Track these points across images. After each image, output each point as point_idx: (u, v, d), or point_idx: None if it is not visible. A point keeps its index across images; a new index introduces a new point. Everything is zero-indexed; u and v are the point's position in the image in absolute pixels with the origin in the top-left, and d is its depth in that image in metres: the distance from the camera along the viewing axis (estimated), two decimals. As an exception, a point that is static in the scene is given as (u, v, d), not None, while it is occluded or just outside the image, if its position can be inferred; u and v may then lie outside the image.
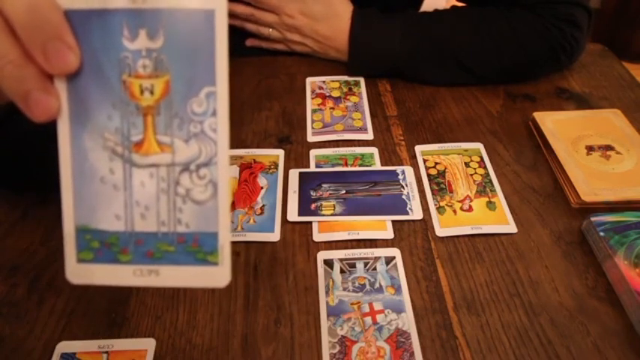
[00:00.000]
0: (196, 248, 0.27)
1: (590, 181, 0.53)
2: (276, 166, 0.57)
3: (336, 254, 0.48)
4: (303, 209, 0.52)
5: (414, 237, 0.50)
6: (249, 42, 0.75)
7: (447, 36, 0.67)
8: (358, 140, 0.61)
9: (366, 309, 0.44)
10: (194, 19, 0.25)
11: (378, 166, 0.57)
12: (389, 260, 0.47)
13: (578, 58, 0.70)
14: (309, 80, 0.70)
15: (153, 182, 0.27)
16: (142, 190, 0.27)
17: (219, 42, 0.26)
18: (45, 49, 0.25)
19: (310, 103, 0.66)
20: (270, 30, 0.72)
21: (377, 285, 0.45)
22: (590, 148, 0.57)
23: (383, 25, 0.67)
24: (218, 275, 0.27)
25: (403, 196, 0.53)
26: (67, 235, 0.28)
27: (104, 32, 0.25)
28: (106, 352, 0.40)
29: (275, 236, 0.50)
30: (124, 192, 0.27)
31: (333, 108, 0.65)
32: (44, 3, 0.25)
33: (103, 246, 0.27)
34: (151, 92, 0.26)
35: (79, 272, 0.28)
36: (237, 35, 0.74)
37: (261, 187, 0.55)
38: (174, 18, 0.25)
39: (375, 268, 0.47)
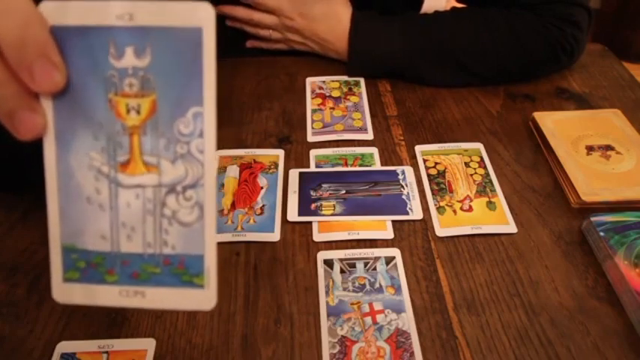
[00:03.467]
0: (182, 270, 0.27)
1: (590, 181, 0.53)
2: (276, 166, 0.57)
3: (336, 254, 0.48)
4: (303, 209, 0.52)
5: (414, 237, 0.50)
6: (250, 43, 0.75)
7: (447, 37, 0.66)
8: (358, 140, 0.61)
9: (366, 309, 0.44)
10: (182, 37, 0.25)
11: (378, 166, 0.57)
12: (389, 260, 0.47)
13: (579, 58, 0.70)
14: (309, 80, 0.70)
15: (139, 203, 0.27)
16: (127, 210, 0.27)
17: (206, 61, 0.25)
18: (31, 67, 0.24)
19: (310, 103, 0.66)
20: (271, 31, 0.72)
21: (377, 285, 0.45)
22: (590, 148, 0.57)
23: (382, 27, 0.67)
24: (204, 298, 0.27)
25: (403, 196, 0.53)
26: (53, 254, 0.28)
27: (90, 50, 0.25)
28: (106, 352, 0.40)
29: (275, 236, 0.50)
30: (110, 212, 0.27)
31: (333, 108, 0.65)
32: (32, 20, 0.24)
33: (89, 266, 0.27)
34: (138, 112, 0.26)
35: (65, 292, 0.28)
36: (237, 35, 0.74)
37: (261, 187, 0.55)
38: (162, 36, 0.25)
39: (375, 268, 0.47)
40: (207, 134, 0.26)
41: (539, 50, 0.66)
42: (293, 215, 0.51)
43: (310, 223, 0.51)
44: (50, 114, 0.26)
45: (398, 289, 0.45)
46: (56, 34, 0.25)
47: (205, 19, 0.25)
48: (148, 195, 0.27)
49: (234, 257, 0.48)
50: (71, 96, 0.26)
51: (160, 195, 0.27)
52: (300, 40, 0.72)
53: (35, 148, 0.27)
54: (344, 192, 0.53)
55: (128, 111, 0.26)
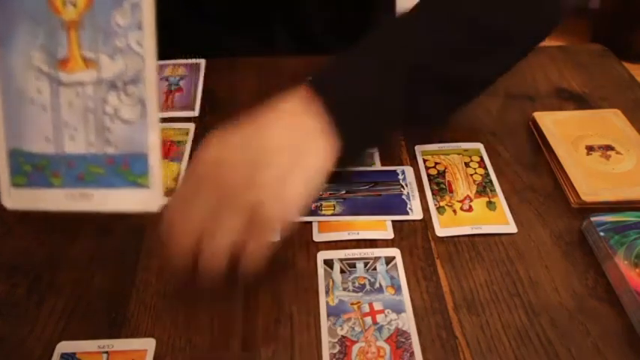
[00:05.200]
0: (126, 170, 0.27)
1: (590, 181, 0.53)
2: (276, 166, 0.57)
3: (336, 254, 0.48)
4: (303, 209, 0.52)
5: (414, 237, 0.50)
6: None
7: (430, 61, 0.48)
8: (358, 140, 0.61)
9: (366, 309, 0.44)
10: None
11: (378, 166, 0.57)
12: (389, 260, 0.47)
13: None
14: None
15: (80, 101, 0.26)
16: (69, 110, 0.26)
17: None
18: None
19: (310, 103, 0.66)
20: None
21: (377, 285, 0.45)
22: (590, 148, 0.57)
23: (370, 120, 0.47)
24: (149, 198, 0.27)
25: (403, 196, 0.53)
26: (0, 159, 0.27)
27: None
28: (106, 352, 0.40)
29: (275, 236, 0.50)
30: (52, 112, 0.26)
31: (333, 108, 0.65)
32: None
33: (35, 169, 0.27)
34: (74, 5, 0.25)
35: (14, 197, 0.28)
36: (237, 35, 0.74)
37: (261, 187, 0.54)
38: None
39: (375, 268, 0.47)
40: (146, 26, 0.25)
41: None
42: None
43: (310, 222, 0.51)
44: None
45: (398, 289, 0.45)
46: None
47: None
48: (88, 92, 0.26)
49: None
50: None
51: (101, 92, 0.26)
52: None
53: None
54: (344, 192, 0.53)
55: (65, 4, 0.25)
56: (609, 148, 0.57)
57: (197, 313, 0.44)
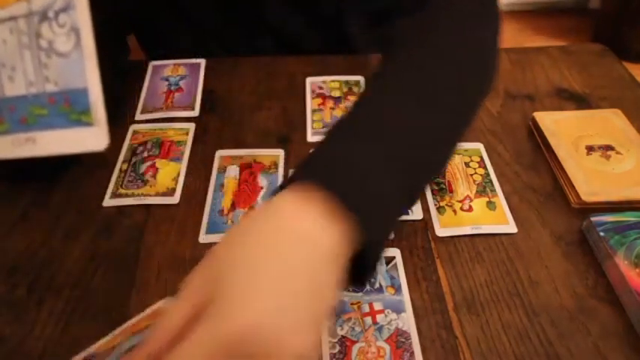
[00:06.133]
0: (68, 108, 0.26)
1: (590, 181, 0.53)
2: (276, 166, 0.57)
3: (336, 254, 0.48)
4: (303, 209, 0.52)
5: (414, 237, 0.50)
6: None
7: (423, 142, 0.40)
8: (358, 140, 0.61)
9: (366, 309, 0.44)
10: None
11: (378, 166, 0.57)
12: (389, 260, 0.47)
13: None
14: (309, 80, 0.70)
15: (14, 38, 0.25)
16: (4, 48, 0.25)
17: None
18: None
19: (310, 103, 0.66)
20: None
21: (377, 285, 0.45)
22: (590, 148, 0.57)
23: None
24: (95, 137, 0.26)
25: (403, 196, 0.53)
26: None
27: None
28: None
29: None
30: None
31: (333, 108, 0.65)
32: None
33: None
34: None
35: None
36: (237, 35, 0.74)
37: (261, 187, 0.55)
38: None
39: (375, 268, 0.47)
40: None
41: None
42: None
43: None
44: None
45: (398, 289, 0.45)
46: None
47: None
48: (21, 27, 0.25)
49: (234, 257, 0.48)
50: None
51: (33, 24, 0.25)
52: None
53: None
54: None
55: None
56: (609, 148, 0.57)
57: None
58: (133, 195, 0.54)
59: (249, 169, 0.56)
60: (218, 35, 0.74)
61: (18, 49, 0.25)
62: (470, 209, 0.52)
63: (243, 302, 0.28)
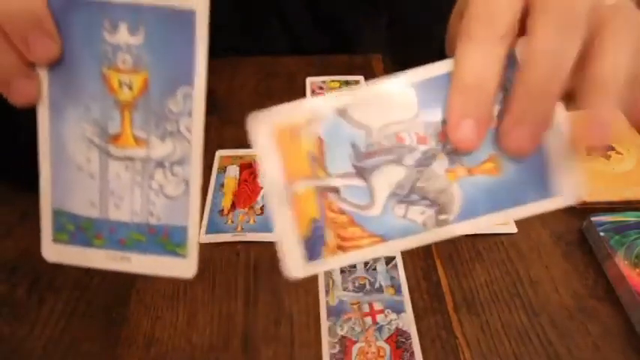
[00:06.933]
0: (166, 240, 0.28)
1: (590, 181, 0.53)
2: (276, 166, 0.57)
3: (336, 254, 0.48)
4: (303, 209, 0.52)
5: (414, 237, 0.50)
6: None
7: None
8: (358, 140, 0.61)
9: (366, 309, 0.44)
10: (175, 18, 0.25)
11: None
12: (389, 260, 0.47)
13: None
14: (309, 80, 0.70)
15: (128, 174, 0.27)
16: (117, 180, 0.27)
17: (198, 43, 0.26)
18: (27, 38, 0.25)
19: (310, 103, 0.66)
20: None
21: (377, 285, 0.45)
22: (590, 148, 0.57)
23: None
24: (185, 267, 0.28)
25: (403, 196, 0.53)
26: (43, 216, 0.28)
27: (86, 23, 0.26)
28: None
29: (275, 236, 0.50)
30: (100, 181, 0.28)
31: (333, 108, 0.65)
32: None
33: (78, 229, 0.28)
34: (130, 87, 0.26)
35: (54, 252, 0.29)
36: (237, 35, 0.74)
37: (261, 187, 0.55)
38: (155, 15, 0.25)
39: (375, 268, 0.47)
40: (195, 114, 0.27)
41: None
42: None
43: (310, 223, 0.51)
44: (45, 83, 0.26)
45: (398, 289, 0.45)
46: (53, 5, 0.25)
47: (199, 2, 0.25)
48: (137, 167, 0.27)
49: (234, 257, 0.48)
50: (66, 67, 0.26)
51: (149, 169, 0.27)
52: None
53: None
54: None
55: (120, 86, 0.26)
56: (609, 148, 0.57)
57: (197, 313, 0.44)
58: (133, 195, 0.54)
59: (249, 169, 0.56)
60: (230, 33, 0.74)
61: (130, 185, 0.28)
62: (470, 209, 0.52)
63: None
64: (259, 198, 0.53)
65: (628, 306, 0.44)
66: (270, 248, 0.49)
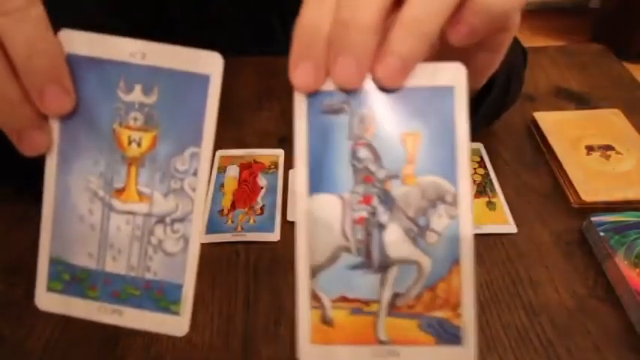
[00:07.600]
0: (160, 296, 0.28)
1: (590, 181, 0.53)
2: (276, 166, 0.57)
3: (336, 254, 0.48)
4: (303, 209, 0.52)
5: (414, 237, 0.50)
6: None
7: None
8: (358, 140, 0.61)
9: (366, 309, 0.44)
10: (189, 81, 0.26)
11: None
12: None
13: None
14: (309, 80, 0.70)
15: (128, 228, 0.28)
16: (117, 233, 0.28)
17: (210, 106, 0.27)
18: (42, 91, 0.25)
19: (310, 103, 0.66)
20: None
21: (377, 285, 0.45)
22: (590, 148, 0.57)
23: None
24: (177, 324, 0.28)
25: (403, 196, 0.53)
26: (40, 263, 0.29)
27: (101, 81, 0.26)
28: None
29: (275, 236, 0.50)
30: (100, 233, 0.28)
31: (333, 108, 0.65)
32: (48, 45, 0.25)
33: (73, 280, 0.29)
34: (139, 144, 0.27)
35: (47, 300, 0.30)
36: (238, 34, 0.74)
37: (261, 187, 0.55)
38: (171, 78, 0.26)
39: (375, 268, 0.47)
40: (200, 174, 0.27)
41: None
42: (293, 215, 0.51)
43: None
44: (56, 134, 0.27)
45: (398, 289, 0.45)
46: (71, 61, 0.26)
47: (214, 67, 0.26)
48: (137, 222, 0.28)
49: (234, 257, 0.48)
50: (78, 121, 0.27)
51: (149, 224, 0.28)
52: None
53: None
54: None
55: (130, 143, 0.27)
56: (609, 148, 0.57)
57: (197, 313, 0.44)
58: (133, 195, 0.54)
59: (249, 169, 0.56)
60: (231, 34, 0.74)
61: (129, 238, 0.28)
62: (470, 209, 0.52)
63: None
64: (259, 198, 0.53)
65: (628, 306, 0.44)
66: (270, 248, 0.49)
